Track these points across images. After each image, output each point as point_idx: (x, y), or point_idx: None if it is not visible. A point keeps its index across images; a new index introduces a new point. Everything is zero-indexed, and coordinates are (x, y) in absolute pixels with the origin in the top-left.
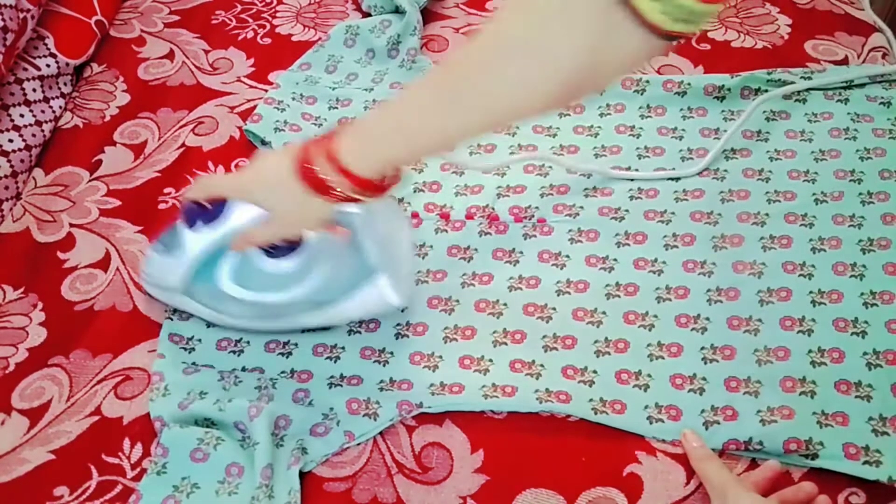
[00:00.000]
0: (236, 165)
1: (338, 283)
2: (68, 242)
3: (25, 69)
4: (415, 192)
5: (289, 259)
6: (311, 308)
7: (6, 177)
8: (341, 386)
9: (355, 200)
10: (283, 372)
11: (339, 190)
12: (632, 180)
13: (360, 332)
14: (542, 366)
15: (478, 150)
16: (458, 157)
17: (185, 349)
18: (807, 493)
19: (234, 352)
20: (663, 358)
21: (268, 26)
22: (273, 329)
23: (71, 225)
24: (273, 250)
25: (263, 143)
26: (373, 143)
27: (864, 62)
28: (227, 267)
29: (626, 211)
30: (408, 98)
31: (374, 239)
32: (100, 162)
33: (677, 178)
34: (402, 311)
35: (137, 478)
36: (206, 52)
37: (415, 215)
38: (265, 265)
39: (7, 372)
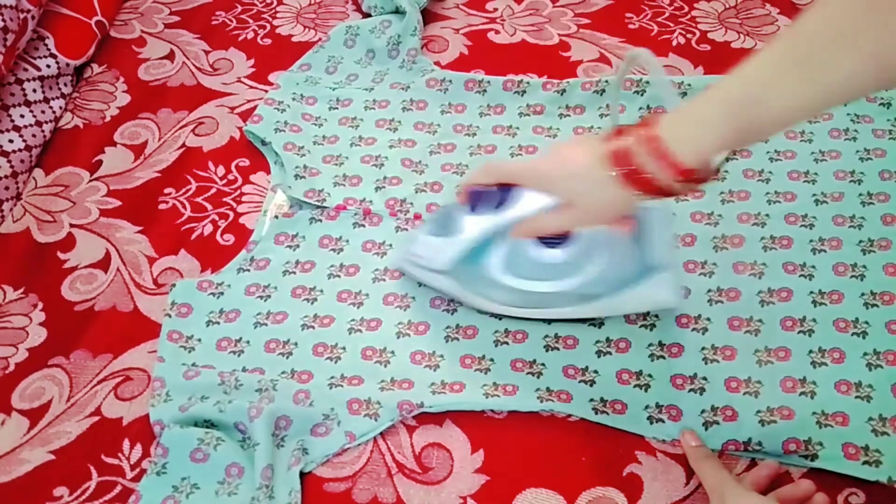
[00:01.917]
0: (237, 166)
1: (613, 278)
2: (68, 242)
3: (26, 69)
4: (417, 192)
5: (562, 249)
6: (579, 300)
7: (6, 177)
8: (342, 386)
9: (671, 193)
10: (283, 372)
11: (657, 181)
12: None
13: (360, 332)
14: (543, 365)
15: (478, 151)
16: None
17: (185, 348)
18: (804, 490)
19: (234, 352)
20: (664, 358)
21: (268, 27)
22: (536, 317)
23: (71, 225)
24: (547, 240)
25: (263, 143)
26: (704, 127)
27: None
28: (499, 253)
29: None
30: (745, 74)
31: (661, 236)
32: (100, 162)
33: None
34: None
35: (137, 478)
36: (207, 52)
37: (417, 217)
38: (538, 254)
39: (7, 372)
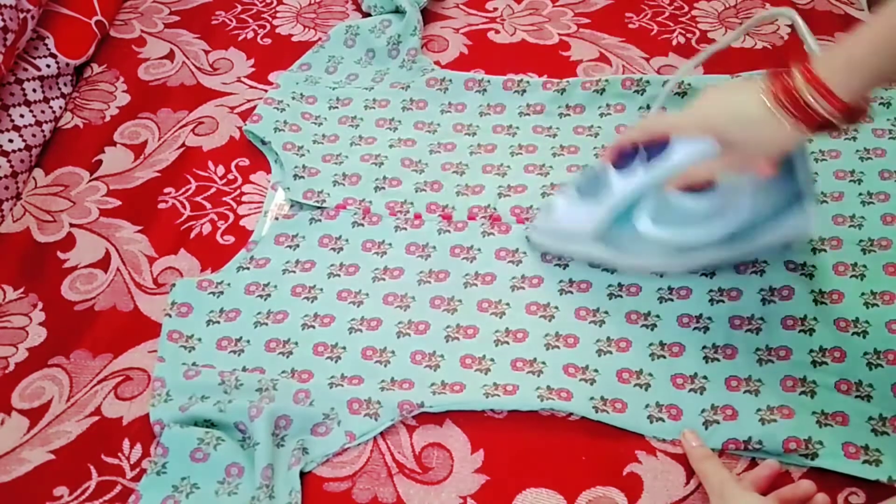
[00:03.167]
0: (236, 166)
1: (761, 216)
2: (68, 242)
3: (25, 69)
4: (416, 192)
5: (706, 198)
6: (725, 244)
7: (6, 177)
8: (342, 386)
9: (833, 127)
10: (283, 372)
11: (820, 114)
12: None
13: (360, 331)
14: (543, 363)
15: (478, 151)
16: None
17: (185, 348)
18: (805, 490)
19: (234, 351)
20: (665, 357)
21: (268, 27)
22: (684, 267)
23: (71, 225)
24: (691, 191)
25: (263, 142)
26: (861, 63)
27: None
28: (646, 210)
29: None
30: (890, 13)
31: (804, 165)
32: (100, 162)
33: None
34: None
35: (137, 478)
36: (207, 52)
37: (417, 216)
38: (686, 204)
39: (7, 372)
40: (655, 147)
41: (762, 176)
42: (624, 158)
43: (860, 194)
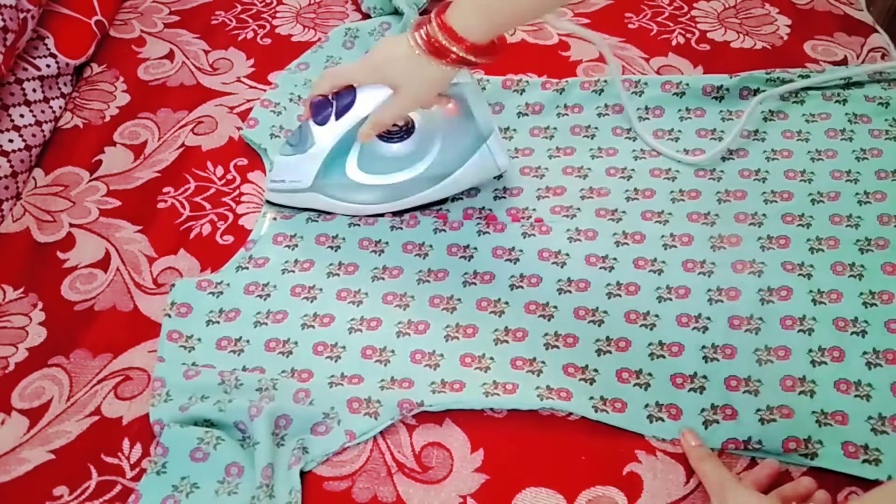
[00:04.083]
0: (235, 166)
1: (454, 154)
2: (68, 242)
3: (25, 69)
4: None
5: (405, 142)
6: (429, 183)
7: (6, 177)
8: (342, 385)
9: (469, 63)
10: (283, 371)
11: (454, 54)
12: (628, 177)
13: (360, 331)
14: (543, 363)
15: None
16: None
17: (185, 348)
18: (805, 487)
19: (234, 351)
20: (664, 357)
21: (268, 27)
22: (398, 209)
23: (71, 225)
24: (390, 136)
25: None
26: (483, 11)
27: (863, 62)
28: (353, 158)
29: (623, 212)
30: None
31: (481, 106)
32: (100, 162)
33: (673, 178)
34: (499, 177)
35: (137, 478)
36: (206, 52)
37: (412, 216)
38: (386, 150)
39: (7, 371)
40: (343, 96)
41: (446, 113)
42: (319, 111)
43: (857, 194)
